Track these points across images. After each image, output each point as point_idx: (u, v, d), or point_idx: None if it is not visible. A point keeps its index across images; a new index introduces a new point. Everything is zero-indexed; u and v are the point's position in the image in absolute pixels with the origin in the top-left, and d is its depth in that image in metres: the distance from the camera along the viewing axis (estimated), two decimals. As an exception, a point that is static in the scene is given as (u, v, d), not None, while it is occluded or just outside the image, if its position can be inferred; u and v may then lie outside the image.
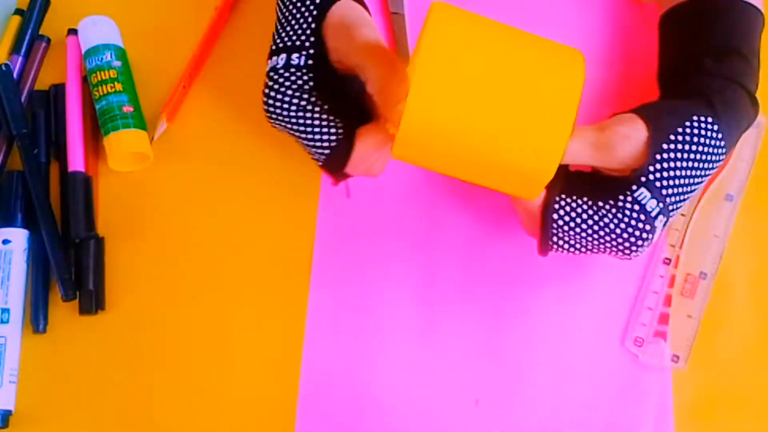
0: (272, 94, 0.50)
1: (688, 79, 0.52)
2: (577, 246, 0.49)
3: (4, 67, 0.61)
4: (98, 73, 0.60)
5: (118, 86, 0.60)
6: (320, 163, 0.51)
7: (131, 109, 0.59)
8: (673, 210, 0.49)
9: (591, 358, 0.52)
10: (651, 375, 0.51)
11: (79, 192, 0.57)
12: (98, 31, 0.62)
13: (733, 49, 0.51)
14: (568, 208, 0.48)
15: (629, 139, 0.48)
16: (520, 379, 0.52)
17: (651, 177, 0.47)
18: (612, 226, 0.47)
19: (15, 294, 0.55)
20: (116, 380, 0.54)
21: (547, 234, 0.49)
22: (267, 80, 0.50)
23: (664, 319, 0.52)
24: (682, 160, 0.48)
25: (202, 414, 0.53)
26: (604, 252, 0.49)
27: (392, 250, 0.56)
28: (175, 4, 0.65)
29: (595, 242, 0.48)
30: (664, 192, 0.47)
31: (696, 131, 0.48)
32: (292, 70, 0.49)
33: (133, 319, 0.55)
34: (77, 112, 0.60)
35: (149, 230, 0.58)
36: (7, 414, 0.53)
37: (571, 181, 0.49)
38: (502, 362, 0.52)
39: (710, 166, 0.49)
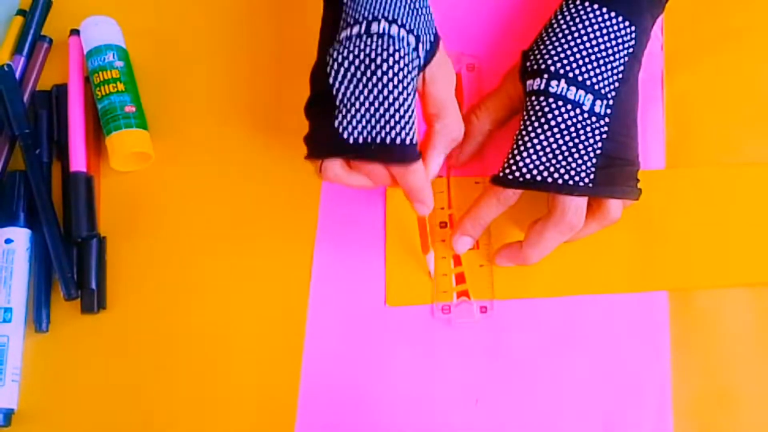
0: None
1: None
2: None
3: (6, 68, 0.61)
4: (100, 73, 0.60)
5: (120, 86, 0.60)
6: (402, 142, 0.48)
7: (133, 109, 0.60)
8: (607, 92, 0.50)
9: (590, 357, 0.52)
10: (650, 375, 0.51)
11: (81, 192, 0.58)
12: (100, 31, 0.62)
13: None
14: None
15: None
16: (520, 379, 0.52)
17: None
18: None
19: (17, 293, 0.55)
20: (118, 379, 0.54)
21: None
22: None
23: (461, 279, 0.54)
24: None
25: (202, 413, 0.53)
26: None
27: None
28: (176, 4, 0.66)
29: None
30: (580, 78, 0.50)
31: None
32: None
33: (134, 318, 0.56)
34: (79, 112, 0.60)
35: (151, 229, 0.58)
36: (9, 413, 0.53)
37: None
38: (502, 361, 0.52)
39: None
